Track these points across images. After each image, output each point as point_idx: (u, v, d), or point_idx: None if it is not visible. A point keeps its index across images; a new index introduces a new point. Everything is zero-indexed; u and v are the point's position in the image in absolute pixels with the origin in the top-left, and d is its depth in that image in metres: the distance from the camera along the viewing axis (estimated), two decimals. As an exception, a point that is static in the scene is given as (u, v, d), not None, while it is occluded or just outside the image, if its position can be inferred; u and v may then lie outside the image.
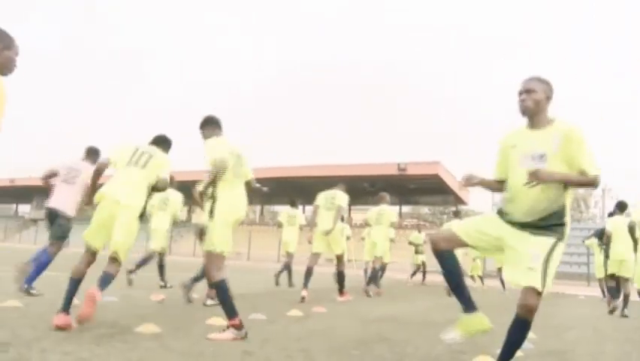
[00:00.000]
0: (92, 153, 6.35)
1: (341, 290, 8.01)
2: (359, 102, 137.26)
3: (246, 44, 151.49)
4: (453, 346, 4.15)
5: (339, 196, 8.12)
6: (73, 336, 3.51)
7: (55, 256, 5.85)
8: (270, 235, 36.90)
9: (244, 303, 6.47)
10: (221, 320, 4.64)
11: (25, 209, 57.18)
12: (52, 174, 6.13)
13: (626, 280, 7.98)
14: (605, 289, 10.09)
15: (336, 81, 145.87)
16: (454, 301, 7.06)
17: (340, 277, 8.04)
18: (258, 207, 54.28)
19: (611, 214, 8.83)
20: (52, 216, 6.00)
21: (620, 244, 8.01)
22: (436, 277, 12.98)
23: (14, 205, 59.23)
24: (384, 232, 9.50)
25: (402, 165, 32.93)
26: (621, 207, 8.54)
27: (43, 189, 6.30)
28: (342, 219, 8.69)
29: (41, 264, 5.80)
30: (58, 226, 5.95)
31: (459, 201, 40.45)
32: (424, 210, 56.28)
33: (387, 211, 9.62)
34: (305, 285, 7.39)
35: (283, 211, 11.35)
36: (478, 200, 61.87)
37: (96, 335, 3.61)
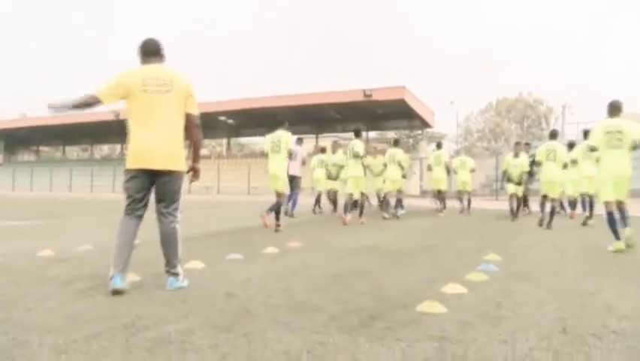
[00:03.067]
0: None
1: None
2: (324, 33, 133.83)
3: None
4: (425, 275, 4.39)
5: (284, 138, 8.27)
6: (54, 293, 3.54)
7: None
8: (238, 168, 36.86)
9: (219, 243, 6.59)
10: (199, 263, 4.74)
11: None
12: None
13: (553, 199, 9.17)
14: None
15: (299, 13, 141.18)
16: (425, 226, 7.31)
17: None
18: (224, 140, 53.67)
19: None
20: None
21: (549, 169, 9.06)
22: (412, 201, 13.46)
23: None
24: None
25: (368, 91, 32.59)
26: (552, 134, 9.68)
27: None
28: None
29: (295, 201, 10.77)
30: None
31: (424, 124, 40.79)
32: (391, 134, 56.74)
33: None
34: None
35: (350, 144, 10.55)
36: (443, 123, 62.58)
37: (78, 290, 3.65)
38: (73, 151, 65.27)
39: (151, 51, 3.81)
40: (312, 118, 39.73)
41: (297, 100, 34.09)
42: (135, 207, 3.74)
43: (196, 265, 4.70)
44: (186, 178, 3.94)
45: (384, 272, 4.54)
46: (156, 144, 3.65)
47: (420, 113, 35.97)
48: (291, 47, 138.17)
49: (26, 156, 61.17)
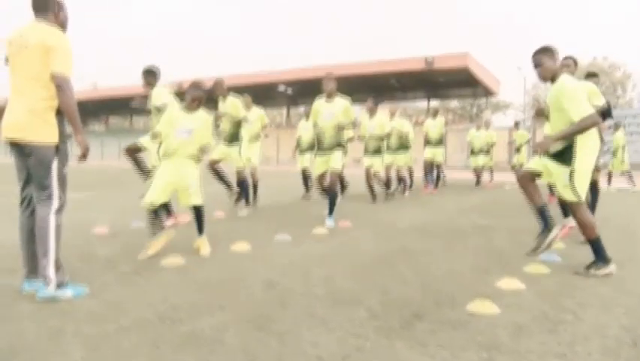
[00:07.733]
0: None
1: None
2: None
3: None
4: (478, 263, 4.11)
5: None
6: (97, 278, 3.56)
7: None
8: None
9: (270, 220, 6.49)
10: (246, 244, 4.68)
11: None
12: None
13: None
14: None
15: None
16: (477, 202, 6.81)
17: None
18: (284, 110, 53.92)
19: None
20: None
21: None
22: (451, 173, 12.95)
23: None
24: None
25: (429, 58, 31.54)
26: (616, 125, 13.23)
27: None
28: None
29: None
30: None
31: (489, 92, 39.14)
32: (454, 103, 54.93)
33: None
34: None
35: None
36: (508, 91, 59.87)
37: (120, 274, 3.68)
38: (140, 121, 67.70)
39: (34, 5, 3.24)
40: (371, 87, 39.04)
41: (356, 69, 33.52)
42: (22, 194, 3.26)
43: (242, 246, 4.65)
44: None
45: (433, 257, 4.30)
46: (12, 110, 3.14)
47: (484, 81, 34.48)
48: (349, 14, 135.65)
49: (96, 127, 64.17)
